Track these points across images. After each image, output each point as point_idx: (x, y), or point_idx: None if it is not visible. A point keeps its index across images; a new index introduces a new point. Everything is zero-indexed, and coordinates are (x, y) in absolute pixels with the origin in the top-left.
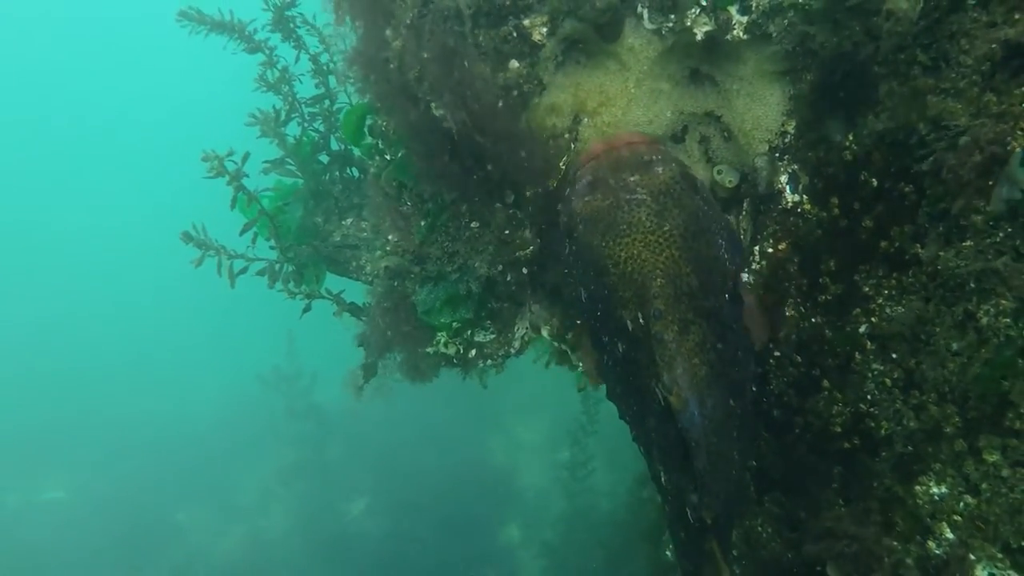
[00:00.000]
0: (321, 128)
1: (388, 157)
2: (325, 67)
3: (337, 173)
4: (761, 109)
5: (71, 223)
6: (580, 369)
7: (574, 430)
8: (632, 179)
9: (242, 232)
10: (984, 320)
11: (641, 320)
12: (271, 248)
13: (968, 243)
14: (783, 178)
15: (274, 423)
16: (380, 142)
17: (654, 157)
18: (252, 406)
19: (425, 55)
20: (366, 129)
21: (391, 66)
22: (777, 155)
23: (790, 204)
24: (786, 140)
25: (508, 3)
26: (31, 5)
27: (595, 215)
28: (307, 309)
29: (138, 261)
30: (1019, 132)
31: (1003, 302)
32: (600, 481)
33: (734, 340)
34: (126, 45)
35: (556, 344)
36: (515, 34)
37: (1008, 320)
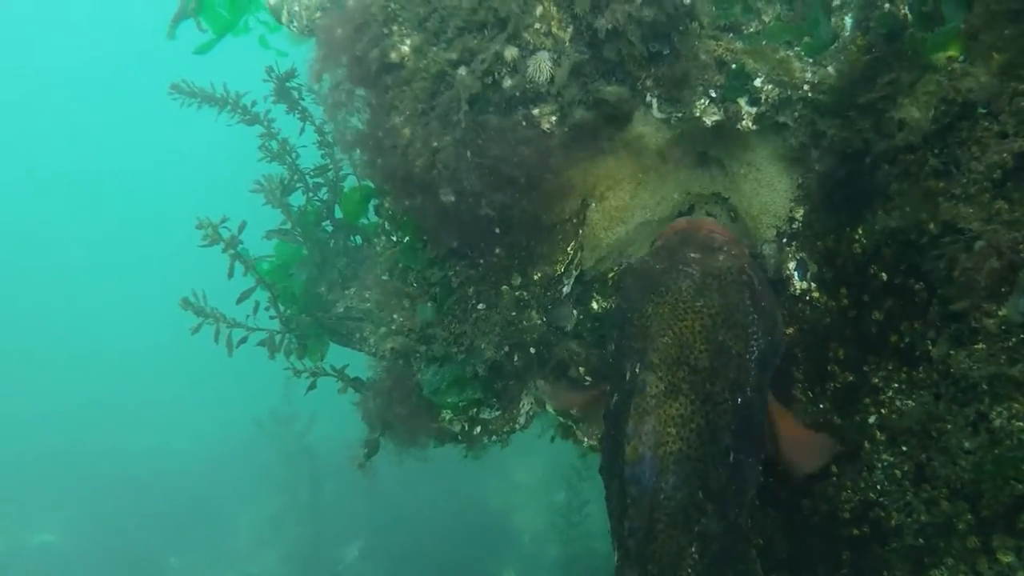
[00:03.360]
0: (325, 197)
1: (395, 239)
2: (330, 137)
3: (341, 242)
4: (769, 195)
5: (64, 257)
6: (585, 443)
7: (568, 474)
8: (693, 255)
9: (239, 301)
10: (997, 422)
11: (637, 370)
12: (271, 318)
13: (980, 346)
14: (791, 264)
15: (268, 464)
16: (387, 223)
17: (724, 247)
18: (246, 446)
19: (435, 144)
20: (372, 209)
21: (399, 152)
22: (784, 240)
23: (798, 291)
24: (794, 226)
25: (518, 94)
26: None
27: (645, 272)
28: (312, 387)
29: (131, 296)
30: None
31: (1016, 406)
32: (596, 523)
33: (728, 444)
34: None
35: (561, 419)
36: (524, 123)
37: (1021, 424)
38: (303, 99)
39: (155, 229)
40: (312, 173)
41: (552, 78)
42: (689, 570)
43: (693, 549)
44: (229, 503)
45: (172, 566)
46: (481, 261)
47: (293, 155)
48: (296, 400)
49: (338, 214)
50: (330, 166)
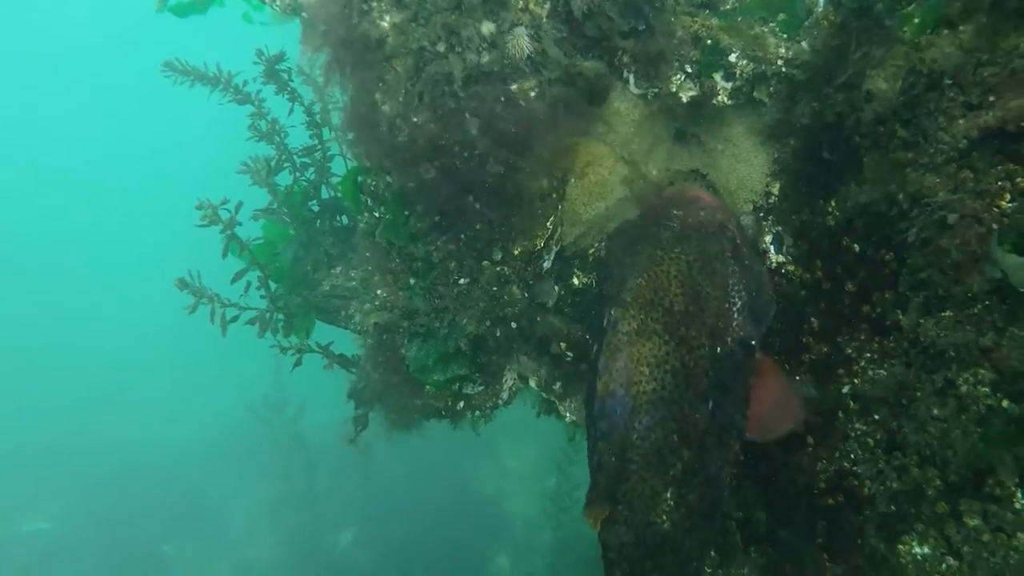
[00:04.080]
0: (312, 177)
1: (378, 215)
2: (318, 118)
3: (328, 222)
4: (746, 170)
5: (59, 251)
6: (568, 419)
7: (559, 458)
8: (676, 212)
9: (233, 281)
10: (964, 388)
11: (613, 313)
12: (261, 297)
13: (947, 313)
14: (768, 238)
15: (261, 452)
16: (370, 200)
17: (707, 205)
18: (239, 434)
19: (415, 119)
20: (358, 187)
21: (381, 128)
22: (761, 215)
23: (774, 264)
24: (770, 201)
25: (496, 69)
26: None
27: (632, 229)
28: (298, 363)
29: (125, 286)
30: (995, 210)
31: (982, 372)
32: None
33: (706, 391)
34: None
35: (544, 395)
36: (503, 99)
37: (987, 389)
38: (292, 80)
39: (152, 225)
40: (300, 153)
41: (530, 54)
42: (664, 516)
43: (668, 495)
44: (225, 491)
45: (166, 553)
46: (462, 236)
47: (282, 135)
48: (287, 386)
49: (325, 194)
50: (317, 146)
